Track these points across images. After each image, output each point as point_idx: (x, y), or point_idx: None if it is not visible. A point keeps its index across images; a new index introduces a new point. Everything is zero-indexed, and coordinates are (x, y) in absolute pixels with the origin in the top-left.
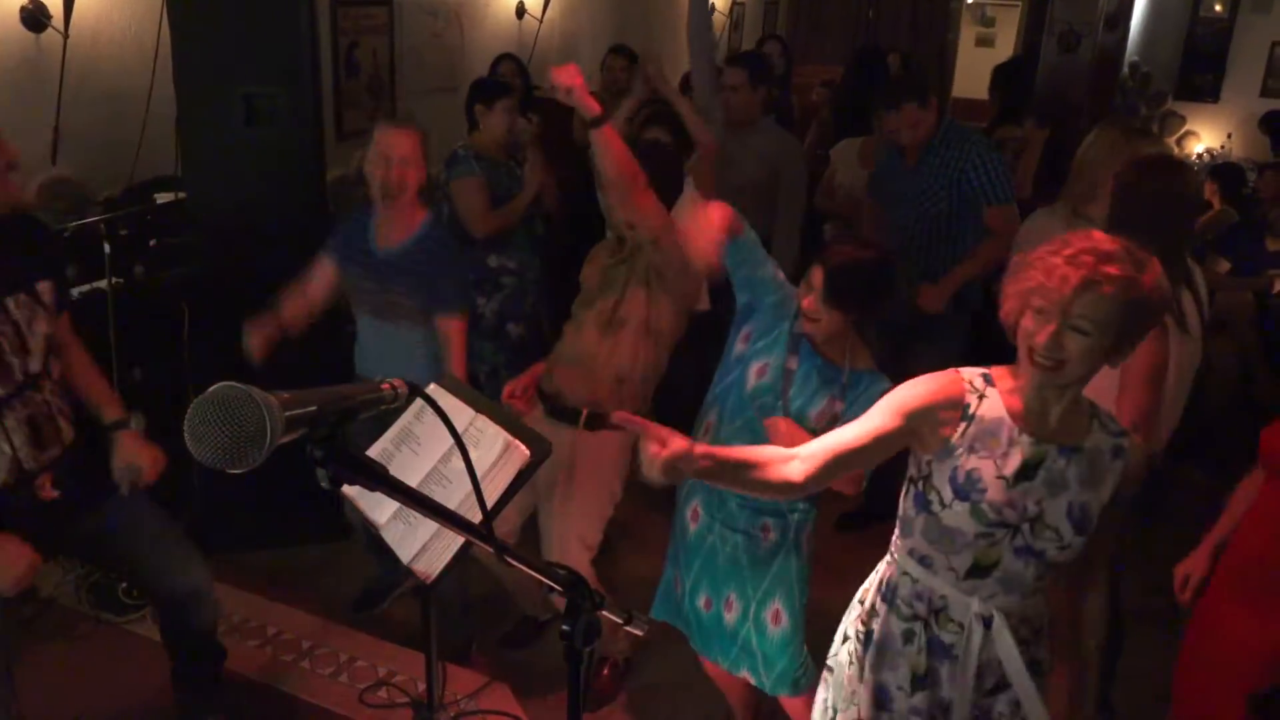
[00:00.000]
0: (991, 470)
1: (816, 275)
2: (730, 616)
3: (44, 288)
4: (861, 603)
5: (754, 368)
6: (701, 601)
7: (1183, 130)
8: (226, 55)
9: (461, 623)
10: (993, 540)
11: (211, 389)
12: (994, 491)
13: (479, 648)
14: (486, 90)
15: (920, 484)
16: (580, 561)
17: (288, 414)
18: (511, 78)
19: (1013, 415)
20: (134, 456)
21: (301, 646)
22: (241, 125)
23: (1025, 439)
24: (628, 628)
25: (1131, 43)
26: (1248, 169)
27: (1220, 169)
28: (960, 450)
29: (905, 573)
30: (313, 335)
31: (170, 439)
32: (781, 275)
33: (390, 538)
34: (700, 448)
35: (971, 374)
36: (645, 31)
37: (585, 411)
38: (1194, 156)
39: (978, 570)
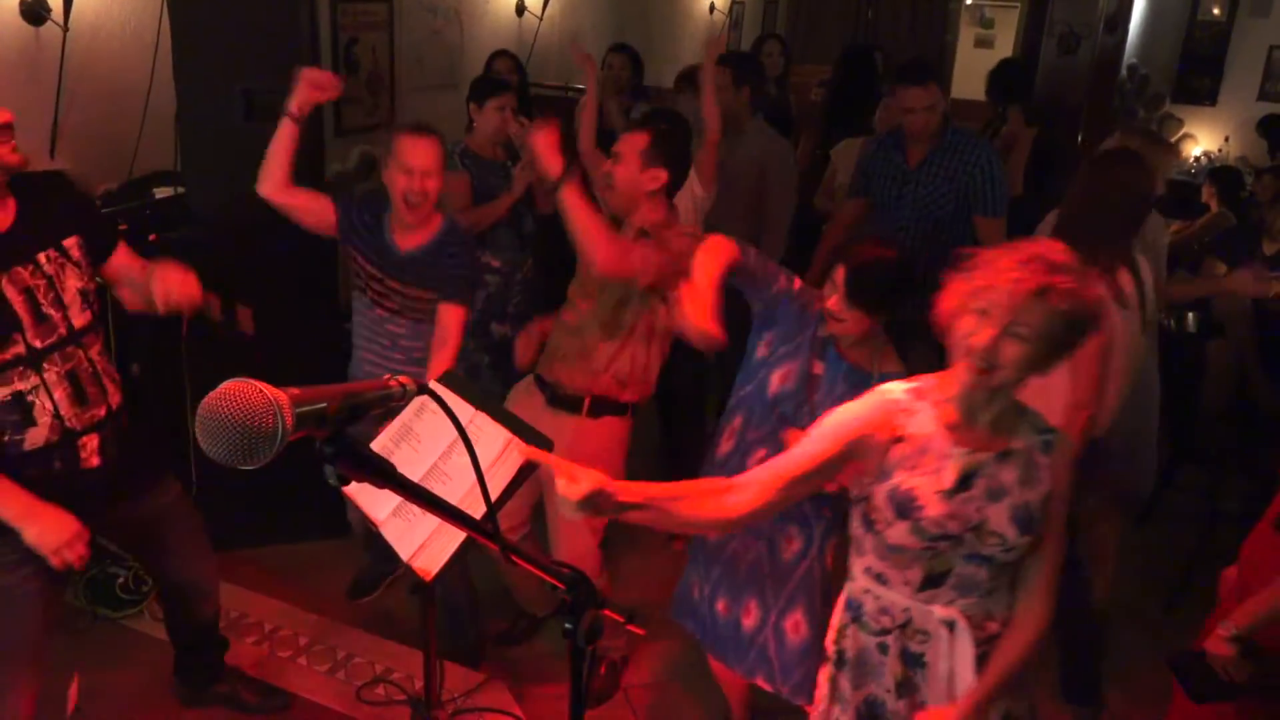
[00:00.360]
0: (929, 486)
1: (839, 274)
2: (748, 623)
3: (71, 244)
4: (831, 625)
5: (776, 374)
6: (720, 606)
7: (1180, 133)
8: (226, 51)
9: (473, 626)
10: (937, 551)
11: (223, 385)
12: (933, 507)
13: None
14: (480, 88)
15: (864, 504)
16: (588, 547)
17: (298, 410)
18: (506, 74)
19: (945, 428)
20: (161, 277)
21: (299, 643)
22: (241, 121)
23: (958, 451)
24: (629, 626)
25: (1129, 45)
26: (1245, 173)
27: (1218, 172)
28: (896, 470)
29: (866, 590)
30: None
31: (169, 434)
32: (798, 282)
33: (390, 535)
34: (616, 484)
35: (898, 391)
36: (645, 29)
37: (588, 400)
38: (1191, 159)
39: (932, 580)
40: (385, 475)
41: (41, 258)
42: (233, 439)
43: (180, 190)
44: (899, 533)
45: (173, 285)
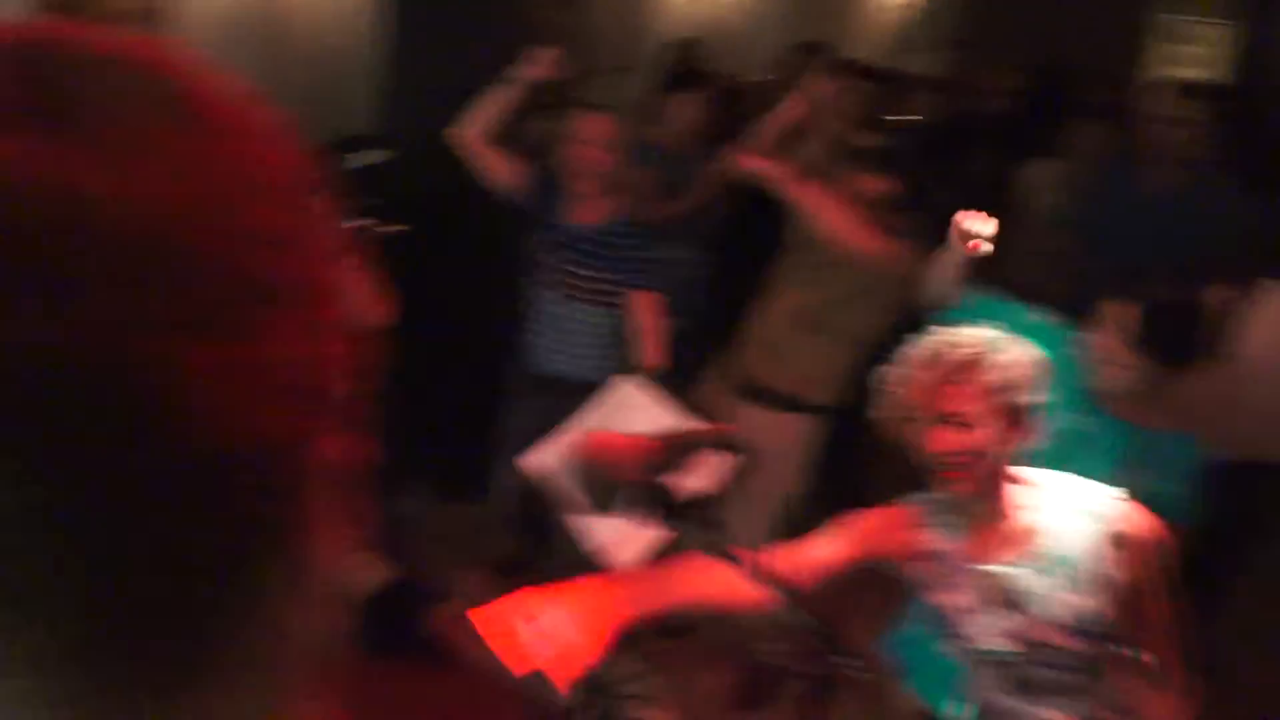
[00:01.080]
0: (956, 604)
1: (1126, 314)
2: None
3: None
4: None
5: None
6: None
7: None
8: (442, 20)
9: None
10: (1000, 664)
11: (593, 438)
12: (966, 625)
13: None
14: (672, 79)
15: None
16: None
17: (644, 463)
18: (690, 63)
19: (958, 543)
20: None
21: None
22: (455, 93)
23: (975, 567)
24: (848, 673)
25: None
26: None
27: None
28: (923, 588)
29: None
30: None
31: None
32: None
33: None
34: (631, 614)
35: (915, 504)
36: (832, 19)
37: (776, 394)
38: None
39: (1019, 688)
40: (699, 521)
41: None
42: (606, 490)
43: (384, 155)
44: (951, 648)
45: None
